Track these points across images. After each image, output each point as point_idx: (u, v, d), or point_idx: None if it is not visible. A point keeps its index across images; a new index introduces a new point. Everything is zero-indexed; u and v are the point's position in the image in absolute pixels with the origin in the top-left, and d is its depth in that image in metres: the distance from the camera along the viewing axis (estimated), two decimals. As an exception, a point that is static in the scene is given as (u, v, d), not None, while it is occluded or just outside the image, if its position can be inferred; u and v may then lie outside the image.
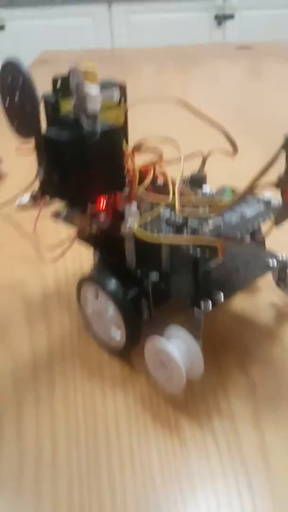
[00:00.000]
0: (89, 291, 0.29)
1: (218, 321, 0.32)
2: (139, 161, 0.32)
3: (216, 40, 2.13)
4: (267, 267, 0.29)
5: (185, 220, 0.26)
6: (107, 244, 0.31)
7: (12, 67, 0.24)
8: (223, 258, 0.25)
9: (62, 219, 0.31)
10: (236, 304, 0.34)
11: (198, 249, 0.24)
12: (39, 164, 0.26)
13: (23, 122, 0.25)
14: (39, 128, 0.25)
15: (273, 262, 0.29)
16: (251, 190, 0.24)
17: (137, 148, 0.31)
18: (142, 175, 0.32)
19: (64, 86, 0.27)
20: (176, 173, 0.29)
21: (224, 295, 0.26)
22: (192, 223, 0.26)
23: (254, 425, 0.25)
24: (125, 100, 0.32)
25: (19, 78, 0.23)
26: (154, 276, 0.28)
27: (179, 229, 0.26)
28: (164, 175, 0.32)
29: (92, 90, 0.25)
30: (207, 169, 0.33)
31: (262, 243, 0.33)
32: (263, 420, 0.25)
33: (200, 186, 0.33)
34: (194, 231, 0.25)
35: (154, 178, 0.33)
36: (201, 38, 2.11)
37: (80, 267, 0.38)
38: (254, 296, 0.34)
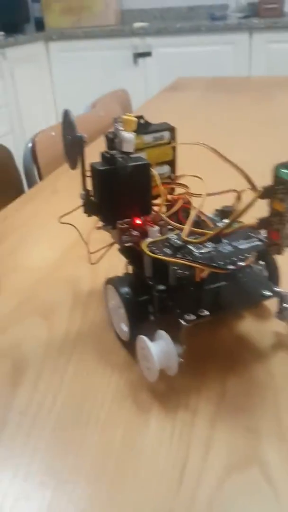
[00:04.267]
0: (110, 290, 0.36)
1: (221, 337, 0.36)
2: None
3: None
4: (261, 297, 0.33)
5: (185, 244, 0.32)
6: (134, 256, 0.37)
7: (66, 115, 0.32)
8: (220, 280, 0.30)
9: (103, 230, 0.39)
10: (245, 326, 0.37)
11: (182, 270, 0.30)
12: (83, 189, 0.34)
13: (72, 157, 0.33)
14: (82, 164, 0.33)
15: (268, 293, 0.33)
16: (229, 225, 0.29)
17: (167, 182, 0.38)
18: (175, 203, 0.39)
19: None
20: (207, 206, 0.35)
21: (210, 313, 0.31)
22: (190, 248, 0.31)
23: (210, 423, 0.29)
24: (174, 140, 0.39)
25: (69, 126, 0.32)
26: (161, 287, 0.34)
27: (175, 251, 0.31)
28: (189, 204, 0.38)
29: (126, 135, 0.33)
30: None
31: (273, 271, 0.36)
32: (218, 421, 0.29)
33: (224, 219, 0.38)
34: (184, 255, 0.31)
35: (186, 206, 0.39)
36: None
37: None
38: (263, 322, 0.38)
